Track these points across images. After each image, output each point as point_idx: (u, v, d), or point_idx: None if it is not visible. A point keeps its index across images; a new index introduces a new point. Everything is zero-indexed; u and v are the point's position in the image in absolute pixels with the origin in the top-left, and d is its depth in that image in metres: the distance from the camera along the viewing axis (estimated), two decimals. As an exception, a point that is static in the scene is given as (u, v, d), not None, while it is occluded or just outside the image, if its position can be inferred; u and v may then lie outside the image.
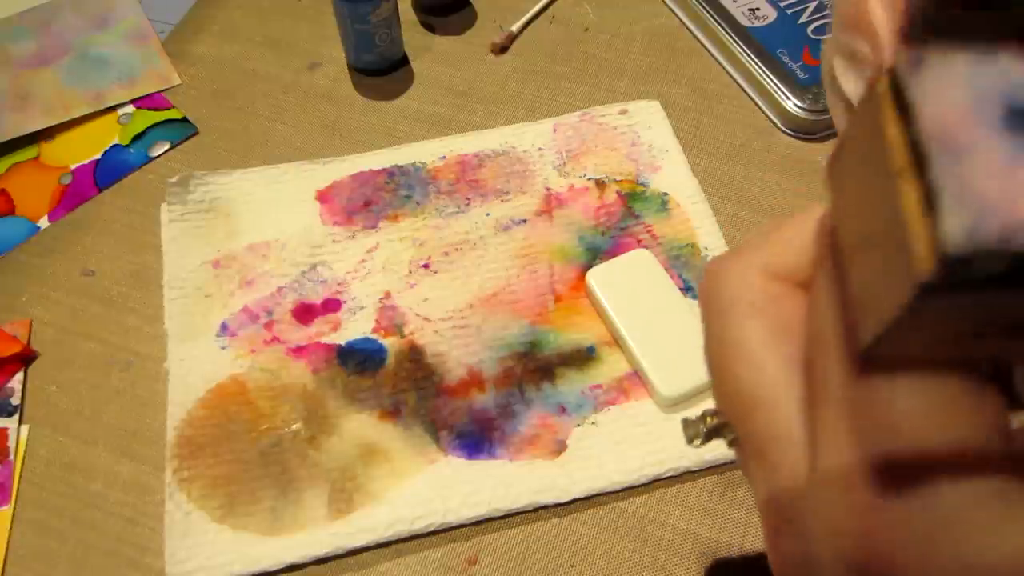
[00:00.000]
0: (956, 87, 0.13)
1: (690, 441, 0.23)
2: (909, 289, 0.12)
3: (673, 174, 0.51)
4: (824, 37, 0.57)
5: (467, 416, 0.42)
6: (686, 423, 0.23)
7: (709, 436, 0.23)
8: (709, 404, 0.24)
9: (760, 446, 0.19)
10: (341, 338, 0.45)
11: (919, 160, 0.12)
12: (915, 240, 0.12)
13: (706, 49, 0.60)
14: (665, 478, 0.41)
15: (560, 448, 0.41)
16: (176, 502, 0.40)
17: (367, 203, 0.50)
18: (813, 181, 0.52)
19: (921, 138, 0.12)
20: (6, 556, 0.40)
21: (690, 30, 0.61)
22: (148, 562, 0.39)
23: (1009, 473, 0.14)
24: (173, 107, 0.56)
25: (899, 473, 0.15)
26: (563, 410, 0.43)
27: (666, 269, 0.47)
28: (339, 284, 0.47)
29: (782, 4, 0.59)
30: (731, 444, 0.23)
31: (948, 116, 0.12)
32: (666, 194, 0.50)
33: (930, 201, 0.12)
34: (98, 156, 0.54)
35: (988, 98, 0.12)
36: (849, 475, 0.16)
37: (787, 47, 0.56)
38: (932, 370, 0.15)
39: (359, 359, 0.44)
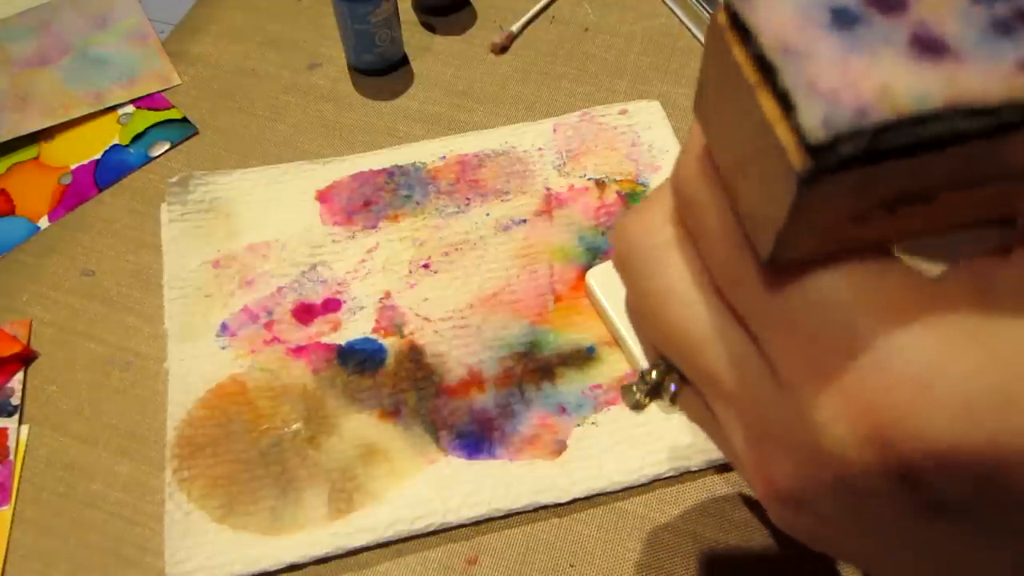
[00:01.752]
0: (780, 3, 0.14)
1: (633, 407, 0.24)
2: (790, 188, 0.14)
3: (673, 174, 0.51)
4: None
5: (467, 416, 0.42)
6: (624, 391, 0.24)
7: (650, 396, 0.23)
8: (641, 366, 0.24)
9: (714, 377, 0.19)
10: (341, 338, 0.45)
11: (767, 72, 0.14)
12: (784, 144, 0.14)
13: (706, 49, 0.60)
14: (665, 478, 0.41)
15: (560, 448, 0.41)
16: (176, 502, 0.40)
17: (367, 203, 0.50)
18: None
19: (763, 52, 0.14)
20: (6, 556, 0.40)
21: (690, 30, 0.61)
22: (148, 562, 0.39)
23: (944, 314, 0.15)
24: (173, 107, 0.56)
25: (855, 343, 0.16)
26: (563, 410, 0.43)
27: (666, 269, 0.47)
28: (339, 284, 0.47)
29: (782, 4, 0.59)
30: (673, 399, 0.23)
31: (783, 28, 0.14)
32: (666, 194, 0.50)
33: (785, 103, 0.14)
34: (98, 156, 0.54)
35: (814, 6, 0.14)
36: (810, 366, 0.16)
37: (787, 47, 0.56)
38: (838, 258, 0.16)
39: (359, 359, 0.44)
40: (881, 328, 0.15)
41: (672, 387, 0.23)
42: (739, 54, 0.15)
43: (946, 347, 0.15)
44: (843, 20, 0.14)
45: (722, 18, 0.15)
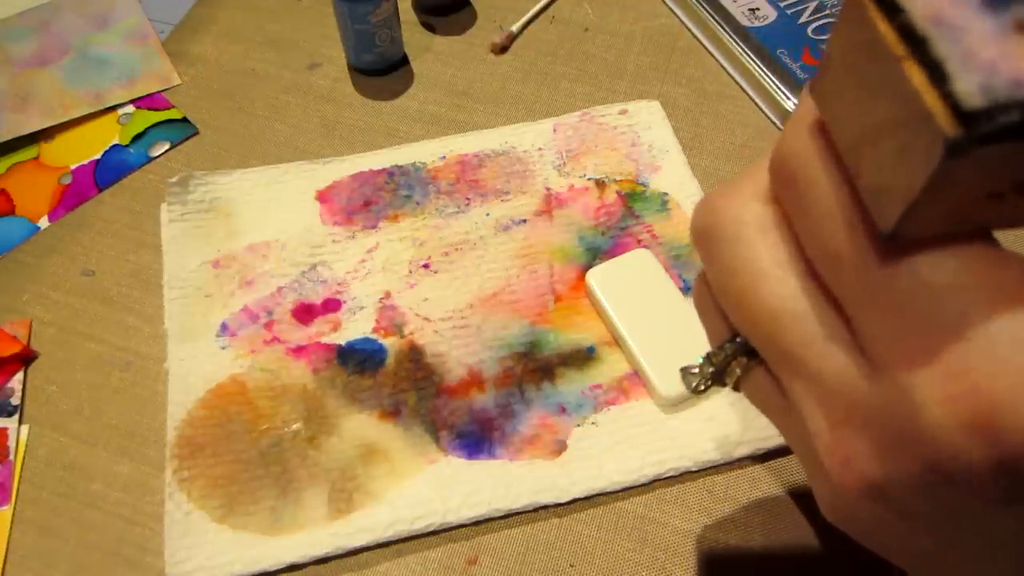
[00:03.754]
0: None
1: (694, 389, 0.23)
2: (933, 156, 0.14)
3: (673, 174, 0.51)
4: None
5: (467, 416, 0.42)
6: (686, 372, 0.24)
7: (715, 377, 0.23)
8: (703, 350, 0.24)
9: (799, 358, 0.19)
10: (341, 338, 0.45)
11: (917, 45, 0.14)
12: (932, 109, 0.13)
13: (706, 49, 0.60)
14: (665, 478, 0.41)
15: (560, 448, 0.41)
16: (176, 502, 0.40)
17: (367, 203, 0.50)
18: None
19: (916, 24, 0.14)
20: (6, 556, 0.40)
21: (690, 30, 0.61)
22: (148, 562, 0.39)
23: None
24: (173, 107, 0.56)
25: (966, 327, 0.15)
26: (563, 410, 0.43)
27: (666, 269, 0.47)
28: (339, 284, 0.47)
29: (782, 4, 0.59)
30: (736, 386, 0.23)
31: (936, 2, 0.14)
32: (666, 194, 0.50)
33: (938, 75, 0.14)
34: (98, 156, 0.54)
35: None
36: (919, 348, 0.16)
37: (787, 47, 0.56)
38: (955, 241, 0.16)
39: (359, 359, 0.44)
40: (994, 314, 0.15)
41: (738, 371, 0.22)
42: (883, 27, 0.14)
43: None
44: (996, 1, 0.14)
45: None
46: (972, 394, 0.15)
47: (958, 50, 0.13)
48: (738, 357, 0.22)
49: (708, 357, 0.23)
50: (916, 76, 0.14)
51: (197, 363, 0.44)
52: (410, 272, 0.47)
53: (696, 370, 0.23)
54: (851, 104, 0.16)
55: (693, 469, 0.41)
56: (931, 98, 0.14)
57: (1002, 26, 0.14)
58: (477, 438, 0.42)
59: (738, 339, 0.22)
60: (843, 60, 0.16)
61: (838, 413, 0.18)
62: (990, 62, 0.13)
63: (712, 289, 0.21)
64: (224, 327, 0.45)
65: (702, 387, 0.23)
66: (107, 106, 0.56)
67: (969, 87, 0.13)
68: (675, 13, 0.62)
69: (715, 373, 0.23)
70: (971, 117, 0.13)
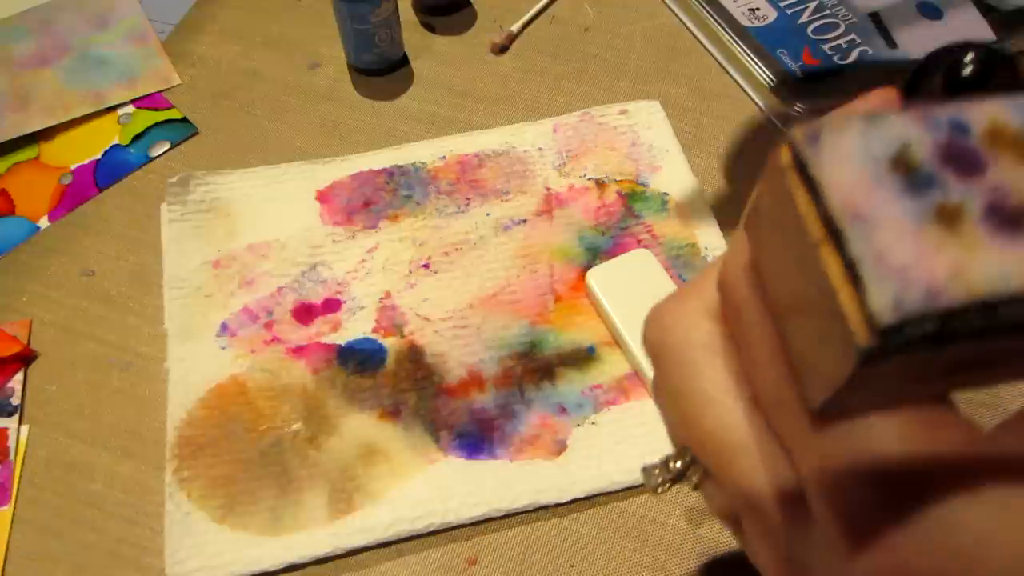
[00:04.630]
0: (851, 157, 0.14)
1: (654, 489, 0.23)
2: (850, 358, 0.13)
3: (673, 174, 0.51)
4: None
5: (467, 416, 0.42)
6: (647, 472, 0.23)
7: (674, 481, 0.23)
8: (666, 449, 0.24)
9: (744, 489, 0.18)
10: (341, 338, 0.45)
11: (834, 233, 0.13)
12: (847, 313, 0.13)
13: (706, 49, 0.60)
14: (665, 478, 0.41)
15: (560, 448, 0.41)
16: (176, 502, 0.40)
17: (367, 203, 0.50)
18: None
19: (831, 213, 0.13)
20: (6, 556, 0.40)
21: (690, 30, 0.61)
22: (148, 562, 0.39)
23: (999, 477, 0.14)
24: (173, 107, 0.56)
25: (901, 500, 0.15)
26: (563, 410, 0.43)
27: (666, 269, 0.47)
28: (339, 284, 0.47)
29: (782, 4, 0.59)
30: (696, 487, 0.22)
31: (850, 188, 0.13)
32: (666, 194, 0.50)
33: (853, 274, 0.13)
34: (98, 156, 0.54)
35: (881, 161, 0.13)
36: (851, 515, 0.15)
37: (787, 47, 0.56)
38: (887, 407, 0.15)
39: (359, 359, 0.44)
40: (931, 489, 0.14)
41: (694, 478, 0.22)
42: (803, 203, 0.14)
43: (1002, 517, 0.14)
44: (915, 182, 0.13)
45: (785, 158, 0.14)
46: (899, 571, 0.15)
47: (872, 250, 0.13)
48: (695, 464, 0.22)
49: (666, 461, 0.23)
50: (833, 267, 0.13)
51: (197, 363, 0.44)
52: (410, 272, 0.47)
53: (657, 471, 0.23)
54: (779, 262, 0.16)
55: (693, 469, 0.41)
56: (845, 296, 0.13)
57: (922, 215, 0.13)
58: (477, 438, 0.42)
59: None
60: (771, 214, 0.16)
61: (782, 551, 0.18)
62: (903, 268, 0.13)
63: (662, 402, 0.21)
64: (224, 327, 0.45)
65: (660, 489, 0.23)
66: (107, 106, 0.56)
67: (880, 300, 0.13)
68: (675, 13, 0.62)
69: (674, 477, 0.23)
70: (882, 331, 0.13)
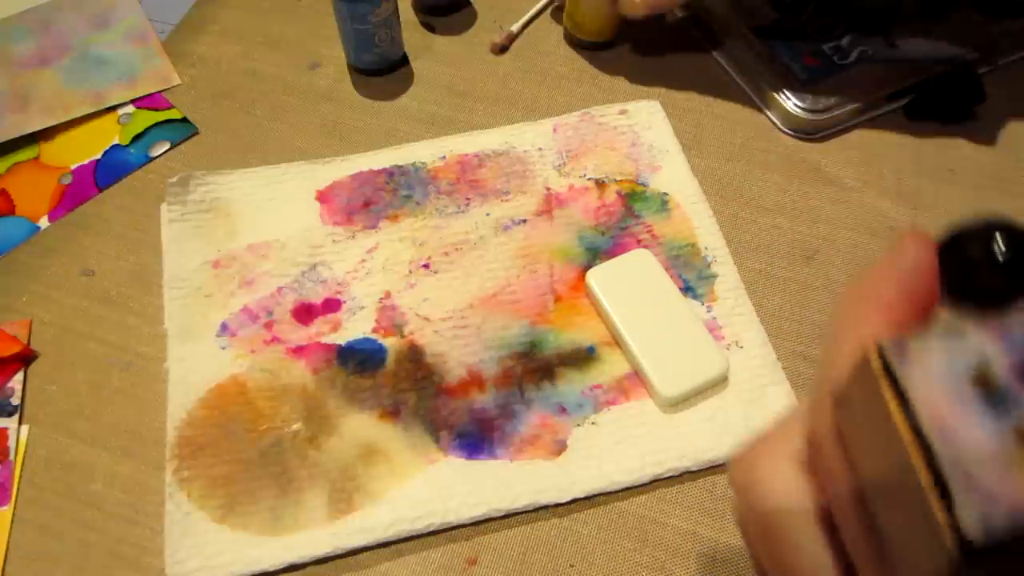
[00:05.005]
0: (937, 373, 0.15)
1: None
2: (941, 559, 0.14)
3: (673, 174, 0.51)
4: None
5: (467, 416, 0.42)
6: None
7: None
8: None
9: None
10: (341, 338, 0.45)
11: (923, 444, 0.15)
12: (939, 519, 0.14)
13: (706, 49, 0.60)
14: (665, 478, 0.41)
15: (560, 448, 0.41)
16: (176, 502, 0.40)
17: (367, 203, 0.50)
18: (813, 181, 0.52)
19: (920, 426, 0.15)
20: (6, 556, 0.40)
21: (690, 30, 0.61)
22: (148, 562, 0.39)
23: None
24: (173, 107, 0.56)
25: None
26: (563, 410, 0.43)
27: (666, 269, 0.47)
28: (339, 284, 0.47)
29: (782, 4, 0.59)
30: None
31: (937, 403, 0.15)
32: (666, 194, 0.50)
33: (943, 490, 0.14)
34: (98, 156, 0.54)
35: (963, 378, 0.15)
36: None
37: (787, 47, 0.56)
38: None
39: (359, 359, 0.44)
40: None
41: None
42: (894, 408, 0.15)
43: None
44: (995, 401, 0.15)
45: (876, 363, 0.16)
46: None
47: (960, 470, 0.14)
48: None
49: None
50: (923, 473, 0.14)
51: (197, 363, 0.44)
52: (410, 272, 0.47)
53: None
54: (868, 443, 0.17)
55: (693, 469, 0.41)
56: (936, 505, 0.14)
57: (1002, 436, 0.14)
58: (477, 438, 0.42)
59: None
60: (861, 407, 0.17)
61: None
62: (989, 490, 0.14)
63: (752, 542, 0.22)
64: (224, 327, 0.45)
65: None
66: (107, 106, 0.56)
67: (969, 519, 0.14)
68: (675, 13, 0.62)
69: None
70: (971, 547, 0.14)
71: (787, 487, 0.20)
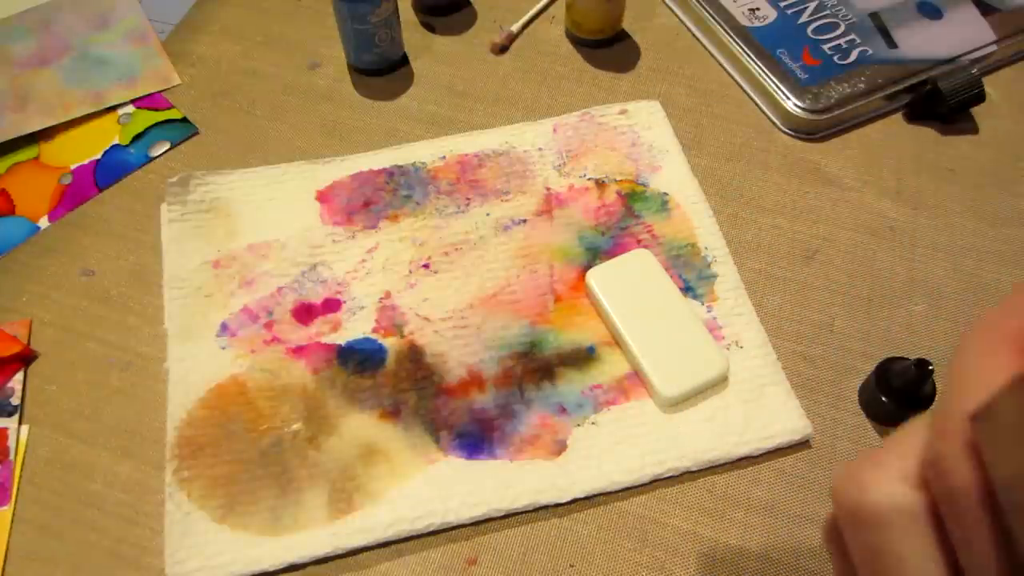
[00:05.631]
0: None
1: None
2: None
3: (673, 174, 0.51)
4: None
5: (467, 416, 0.42)
6: None
7: None
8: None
9: None
10: (341, 338, 0.45)
11: None
12: None
13: (706, 49, 0.60)
14: (665, 478, 0.41)
15: (560, 448, 0.41)
16: (176, 502, 0.40)
17: (367, 203, 0.50)
18: (813, 181, 0.52)
19: None
20: (6, 556, 0.40)
21: (690, 30, 0.61)
22: (148, 562, 0.39)
23: None
24: (173, 107, 0.56)
25: None
26: (563, 410, 0.43)
27: (666, 269, 0.47)
28: (339, 284, 0.47)
29: (782, 4, 0.59)
30: None
31: None
32: (666, 194, 0.50)
33: None
34: (98, 156, 0.54)
35: None
36: None
37: (787, 47, 0.56)
38: None
39: (359, 359, 0.44)
40: None
41: None
42: None
43: None
44: None
45: None
46: None
47: None
48: None
49: None
50: None
51: (197, 363, 0.44)
52: (410, 272, 0.47)
53: None
54: (1016, 463, 0.17)
55: (693, 469, 0.41)
56: None
57: None
58: (477, 438, 0.42)
59: None
60: (1013, 423, 0.17)
61: None
62: None
63: (855, 559, 0.22)
64: (224, 327, 0.45)
65: None
66: (107, 106, 0.56)
67: None
68: (675, 13, 0.62)
69: None
70: None
71: (902, 504, 0.20)
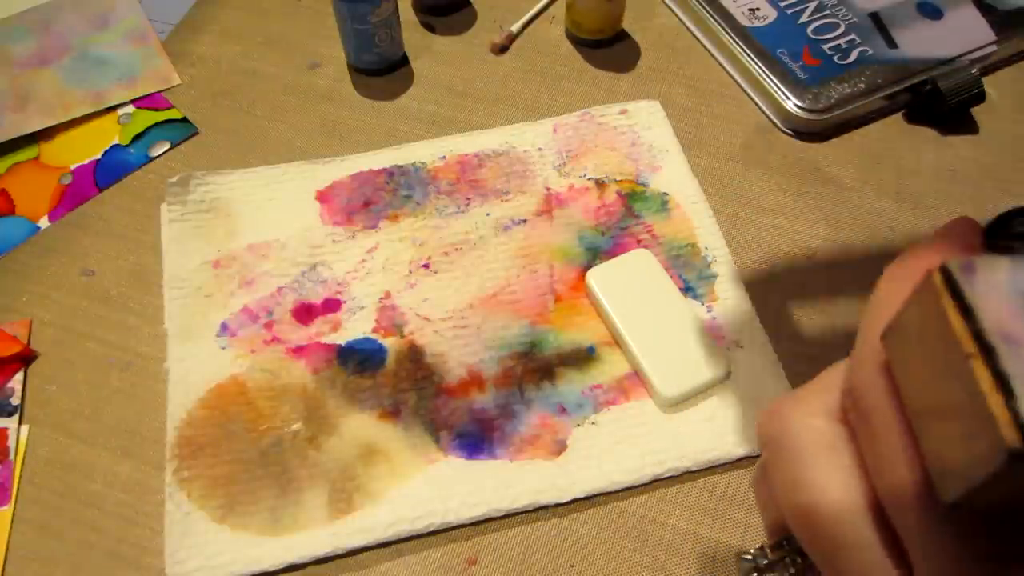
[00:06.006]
0: (1002, 289, 0.16)
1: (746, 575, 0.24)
2: (997, 457, 0.15)
3: (673, 174, 0.51)
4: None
5: (467, 416, 0.42)
6: (740, 559, 0.25)
7: (767, 571, 0.24)
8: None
9: None
10: (341, 338, 0.45)
11: (985, 348, 0.16)
12: (997, 416, 0.15)
13: (706, 49, 0.60)
14: (665, 478, 0.41)
15: (560, 448, 0.41)
16: (176, 502, 0.40)
17: (367, 203, 0.50)
18: (813, 181, 0.52)
19: (984, 334, 0.16)
20: (6, 556, 0.40)
21: (690, 30, 0.61)
22: (148, 562, 0.39)
23: None
24: (173, 107, 0.56)
25: None
26: (563, 410, 0.43)
27: (666, 269, 0.47)
28: (339, 284, 0.47)
29: (782, 4, 0.59)
30: None
31: (1000, 313, 0.16)
32: (666, 194, 0.50)
33: (1003, 384, 0.15)
34: (98, 156, 0.54)
35: None
36: None
37: (787, 47, 0.56)
38: (1012, 507, 0.16)
39: (359, 359, 0.44)
40: None
41: (791, 570, 0.23)
42: (956, 323, 0.16)
43: None
44: None
45: (938, 280, 0.16)
46: None
47: (1020, 367, 0.15)
48: (791, 554, 0.23)
49: (763, 550, 0.24)
50: (984, 378, 0.15)
51: (197, 363, 0.44)
52: (410, 272, 0.47)
53: (750, 556, 0.24)
54: (922, 372, 0.18)
55: (693, 469, 0.41)
56: (996, 404, 0.15)
57: None
58: (477, 438, 0.42)
59: (794, 539, 0.23)
60: (916, 330, 0.18)
61: None
62: None
63: (775, 493, 0.22)
64: (224, 327, 0.45)
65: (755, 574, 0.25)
66: (107, 106, 0.56)
67: None
68: (675, 13, 0.62)
69: (769, 565, 0.24)
70: None
71: (820, 435, 0.20)
